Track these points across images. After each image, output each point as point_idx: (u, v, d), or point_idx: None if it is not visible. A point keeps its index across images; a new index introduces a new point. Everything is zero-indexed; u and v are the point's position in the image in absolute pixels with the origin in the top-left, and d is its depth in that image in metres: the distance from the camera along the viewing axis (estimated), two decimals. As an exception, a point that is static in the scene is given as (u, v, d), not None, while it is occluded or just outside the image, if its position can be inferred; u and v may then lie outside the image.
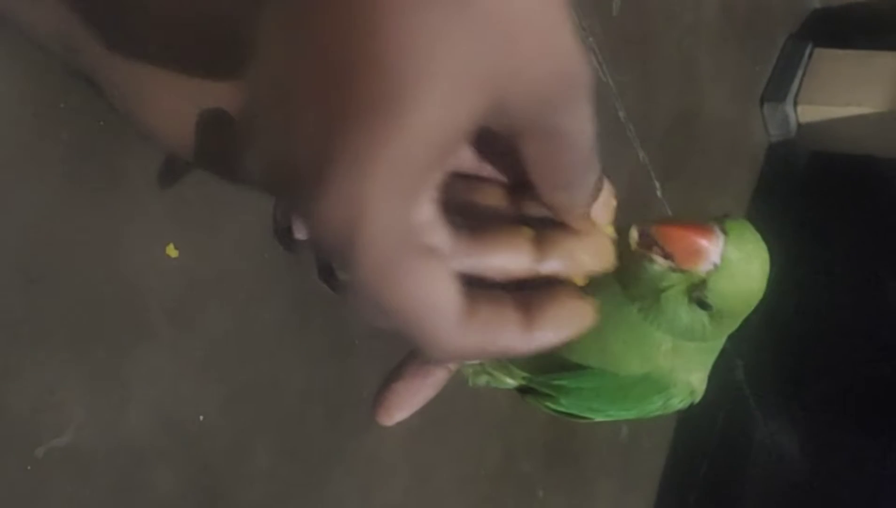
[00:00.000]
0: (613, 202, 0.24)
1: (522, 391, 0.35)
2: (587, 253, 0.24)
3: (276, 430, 0.71)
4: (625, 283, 0.27)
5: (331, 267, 0.25)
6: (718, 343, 0.30)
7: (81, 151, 0.56)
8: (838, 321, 1.24)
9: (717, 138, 1.27)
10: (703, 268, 0.25)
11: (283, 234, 0.26)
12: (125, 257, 0.59)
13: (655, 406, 0.30)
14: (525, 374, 0.32)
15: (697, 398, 0.31)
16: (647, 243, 0.25)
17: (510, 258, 0.23)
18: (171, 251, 0.62)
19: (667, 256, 0.25)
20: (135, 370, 0.61)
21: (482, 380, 0.36)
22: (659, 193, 1.20)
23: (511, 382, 0.34)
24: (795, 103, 1.33)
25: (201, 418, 0.65)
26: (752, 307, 0.27)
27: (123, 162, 0.58)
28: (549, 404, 0.32)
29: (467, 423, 0.89)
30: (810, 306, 1.20)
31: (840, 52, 1.34)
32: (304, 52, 0.18)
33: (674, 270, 0.25)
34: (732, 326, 0.28)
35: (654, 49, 1.18)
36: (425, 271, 0.20)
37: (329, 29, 0.18)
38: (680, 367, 0.29)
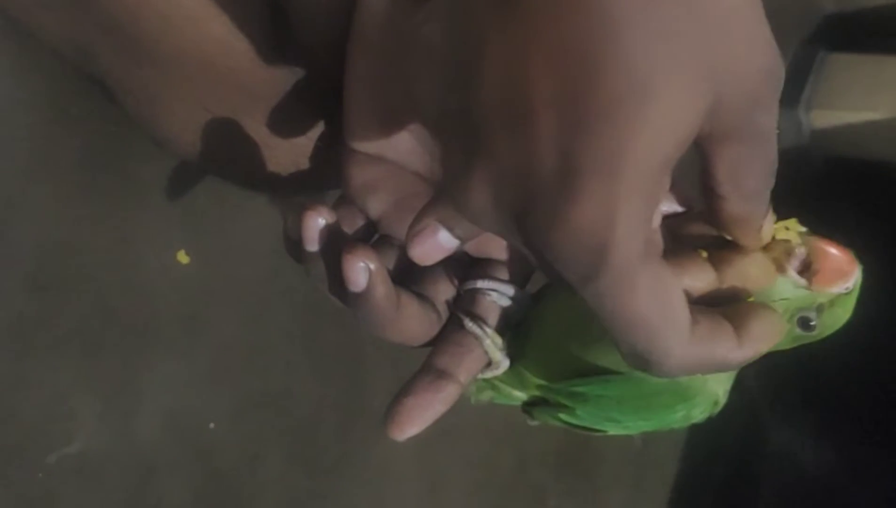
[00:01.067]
0: (773, 217, 0.24)
1: (530, 404, 0.34)
2: (756, 269, 0.24)
3: (287, 438, 0.70)
4: None
5: (342, 279, 0.25)
6: None
7: (93, 157, 0.56)
8: (853, 328, 1.22)
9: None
10: (837, 291, 0.25)
11: (294, 245, 0.26)
12: (136, 264, 0.59)
13: (677, 417, 0.29)
14: (541, 382, 0.31)
15: (718, 409, 0.30)
16: (787, 255, 0.25)
17: (698, 277, 0.24)
18: (182, 258, 0.61)
19: (802, 271, 0.25)
20: (145, 378, 0.60)
21: (486, 396, 0.35)
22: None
23: (520, 395, 0.33)
24: (808, 109, 1.31)
25: (212, 426, 0.64)
26: None
27: (135, 168, 0.58)
28: (563, 415, 0.31)
29: (479, 432, 0.89)
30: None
31: (853, 56, 1.33)
32: (540, 57, 0.18)
33: (799, 286, 0.25)
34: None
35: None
36: (667, 279, 0.20)
37: (565, 32, 0.18)
38: (713, 377, 0.28)
